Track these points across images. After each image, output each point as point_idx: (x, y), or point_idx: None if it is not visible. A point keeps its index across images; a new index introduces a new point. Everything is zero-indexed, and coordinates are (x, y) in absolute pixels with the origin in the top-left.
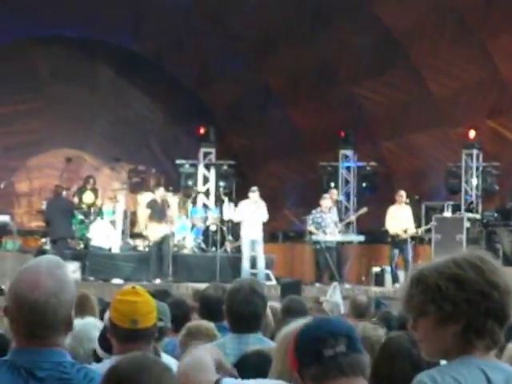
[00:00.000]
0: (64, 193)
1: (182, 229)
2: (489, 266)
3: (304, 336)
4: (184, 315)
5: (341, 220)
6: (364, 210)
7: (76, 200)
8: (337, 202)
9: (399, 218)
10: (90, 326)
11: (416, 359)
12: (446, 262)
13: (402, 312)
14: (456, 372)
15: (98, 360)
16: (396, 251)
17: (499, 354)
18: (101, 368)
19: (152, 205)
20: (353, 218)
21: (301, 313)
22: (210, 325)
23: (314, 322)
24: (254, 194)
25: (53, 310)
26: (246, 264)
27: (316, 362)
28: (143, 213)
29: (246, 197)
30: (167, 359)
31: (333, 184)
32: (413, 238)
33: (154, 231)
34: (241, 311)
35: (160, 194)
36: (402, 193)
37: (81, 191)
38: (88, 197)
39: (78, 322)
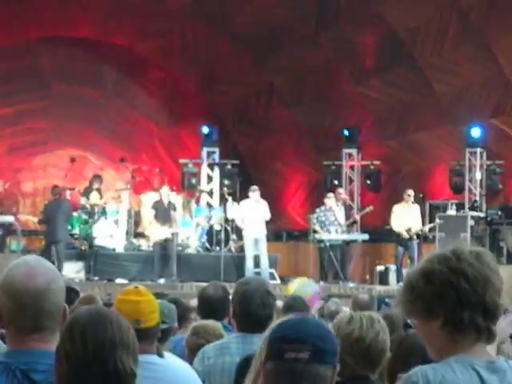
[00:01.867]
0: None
1: (185, 224)
2: (459, 255)
3: (276, 331)
4: (180, 314)
5: (347, 218)
6: (369, 208)
7: (83, 200)
8: (345, 201)
9: (404, 217)
10: None
11: (430, 358)
12: (423, 259)
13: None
14: (449, 371)
15: None
16: (401, 249)
17: None
18: None
19: (157, 206)
20: (357, 217)
21: (302, 311)
22: (217, 324)
23: (292, 320)
24: (255, 194)
25: (54, 297)
26: (249, 263)
27: (275, 360)
28: (147, 213)
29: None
30: (171, 358)
31: (336, 182)
32: (417, 236)
33: (157, 232)
34: (258, 313)
35: (165, 192)
36: (410, 192)
37: (88, 191)
38: (94, 196)
39: None
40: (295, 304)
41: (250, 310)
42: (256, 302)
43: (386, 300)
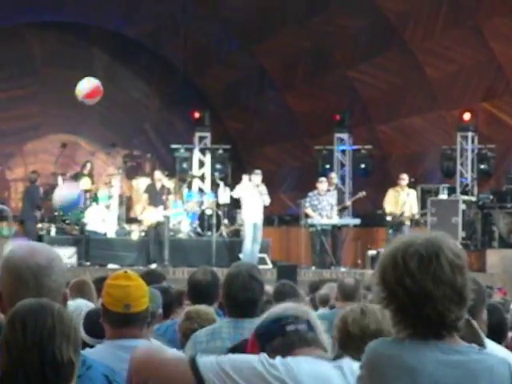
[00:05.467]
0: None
1: (177, 214)
2: (438, 262)
3: (268, 317)
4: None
5: (339, 203)
6: (362, 193)
7: None
8: (336, 186)
9: (397, 201)
10: (82, 306)
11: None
12: (397, 246)
13: None
14: (404, 347)
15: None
16: (394, 233)
17: None
18: (93, 354)
19: (150, 189)
20: (348, 202)
21: (293, 297)
22: (210, 309)
23: (278, 306)
24: (257, 177)
25: (54, 275)
26: (248, 245)
27: (280, 335)
28: (139, 197)
29: (241, 181)
30: (156, 344)
31: (328, 166)
32: (410, 220)
33: (150, 216)
34: (238, 297)
35: (157, 177)
36: (404, 176)
37: (77, 176)
38: (85, 182)
39: (70, 303)
40: (284, 290)
41: (231, 294)
42: (236, 286)
43: None
